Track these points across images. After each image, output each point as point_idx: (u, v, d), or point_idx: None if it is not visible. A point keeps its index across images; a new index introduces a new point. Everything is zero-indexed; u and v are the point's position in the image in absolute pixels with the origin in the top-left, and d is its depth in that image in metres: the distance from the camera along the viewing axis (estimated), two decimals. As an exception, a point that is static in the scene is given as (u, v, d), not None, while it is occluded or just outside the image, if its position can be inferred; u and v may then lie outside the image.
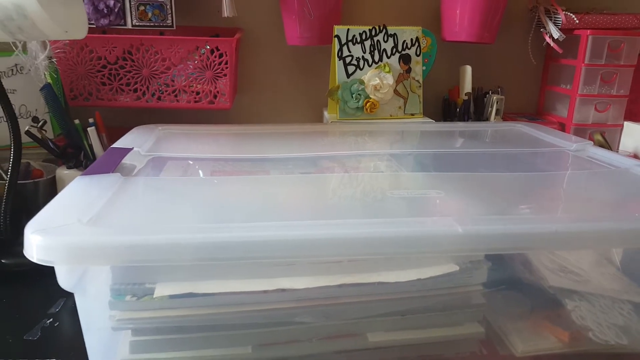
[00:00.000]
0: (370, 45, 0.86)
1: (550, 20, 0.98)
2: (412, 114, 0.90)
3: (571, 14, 0.94)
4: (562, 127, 1.01)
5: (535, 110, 1.12)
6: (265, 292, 0.41)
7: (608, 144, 0.93)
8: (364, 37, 0.86)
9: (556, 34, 0.96)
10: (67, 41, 0.83)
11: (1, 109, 0.64)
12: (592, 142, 0.71)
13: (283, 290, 0.41)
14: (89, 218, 0.38)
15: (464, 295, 0.44)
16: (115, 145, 0.61)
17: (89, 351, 0.41)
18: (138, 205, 0.44)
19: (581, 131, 0.99)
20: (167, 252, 0.35)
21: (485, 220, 0.39)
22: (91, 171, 0.49)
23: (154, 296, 0.40)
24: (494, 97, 0.97)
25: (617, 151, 1.00)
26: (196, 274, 0.41)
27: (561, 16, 0.95)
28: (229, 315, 0.41)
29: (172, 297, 0.40)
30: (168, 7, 0.86)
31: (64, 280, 0.37)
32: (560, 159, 0.68)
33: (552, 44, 0.97)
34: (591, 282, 0.48)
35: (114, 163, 0.51)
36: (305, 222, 0.39)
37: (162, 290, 0.40)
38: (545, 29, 0.99)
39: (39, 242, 0.34)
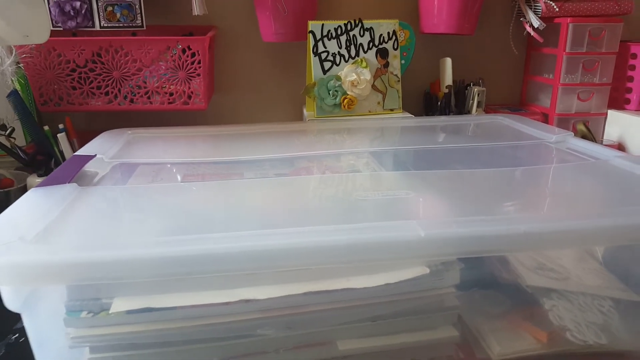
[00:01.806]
0: (346, 40, 0.85)
1: (530, 9, 0.96)
2: (392, 109, 0.88)
3: (551, 2, 0.93)
4: (545, 118, 1.00)
5: (518, 101, 1.10)
6: (227, 304, 0.39)
7: (592, 134, 0.92)
8: (339, 32, 0.84)
9: (536, 22, 0.94)
10: (34, 45, 0.80)
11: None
12: (572, 134, 0.69)
13: (246, 301, 0.39)
14: (34, 234, 0.36)
15: (437, 298, 0.42)
16: (78, 152, 0.59)
17: (42, 372, 0.39)
18: (92, 218, 0.42)
19: (565, 121, 0.98)
20: (121, 269, 0.34)
21: (450, 223, 0.38)
22: (47, 182, 0.47)
23: (111, 312, 0.38)
24: (475, 89, 0.95)
25: (601, 140, 0.99)
26: (154, 287, 0.39)
27: (541, 4, 0.93)
28: (190, 330, 0.39)
29: (129, 312, 0.38)
30: (137, 7, 0.84)
31: (10, 301, 0.35)
32: (539, 151, 0.66)
33: (532, 33, 0.96)
34: (571, 279, 0.47)
35: (72, 172, 0.49)
36: (266, 231, 0.37)
37: (119, 305, 0.38)
38: (526, 18, 0.97)
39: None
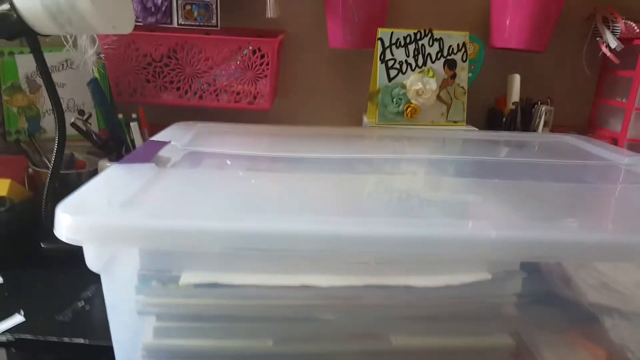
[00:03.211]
0: (415, 49, 0.85)
1: (608, 29, 0.94)
2: (455, 122, 0.87)
3: (631, 23, 0.90)
4: (615, 143, 0.96)
5: (586, 124, 1.07)
6: (289, 287, 0.40)
7: (664, 161, 0.88)
8: (408, 40, 0.85)
9: (614, 43, 0.91)
10: (115, 37, 0.85)
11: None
12: (646, 157, 0.67)
13: (307, 287, 0.40)
14: (120, 202, 0.38)
15: (496, 305, 0.42)
16: (153, 138, 0.62)
17: (112, 332, 0.41)
18: (170, 194, 0.44)
19: (636, 147, 0.93)
20: (195, 239, 0.35)
21: (521, 226, 0.37)
22: (127, 160, 0.50)
23: (180, 284, 0.40)
24: (543, 108, 0.93)
25: (674, 170, 0.94)
26: (222, 265, 0.41)
27: (620, 25, 0.90)
28: (252, 308, 0.41)
29: (197, 286, 0.40)
30: (213, 7, 0.87)
31: (92, 261, 0.37)
32: (610, 172, 0.64)
33: (608, 54, 0.93)
34: (635, 301, 0.45)
35: (150, 154, 0.52)
36: (336, 217, 0.38)
37: (188, 278, 0.40)
38: (602, 38, 0.94)
39: (68, 221, 0.34)
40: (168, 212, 0.39)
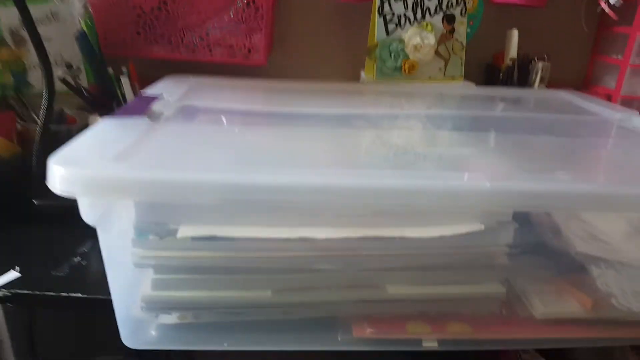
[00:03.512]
0: (413, 2, 0.83)
1: (607, -17, 0.92)
2: (453, 77, 0.86)
3: (630, -23, 0.88)
4: (609, 99, 0.96)
5: (582, 81, 1.06)
6: (286, 239, 0.41)
7: (657, 118, 0.88)
8: (406, -7, 0.83)
9: (612, -1, 0.89)
10: (102, -13, 0.83)
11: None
12: (638, 113, 0.67)
13: (304, 239, 0.41)
14: (113, 154, 0.38)
15: (488, 255, 0.43)
16: (144, 92, 0.61)
17: (110, 285, 0.42)
18: (164, 148, 0.44)
19: (629, 104, 0.93)
20: (190, 191, 0.35)
21: (515, 177, 0.37)
22: (119, 114, 0.49)
23: (177, 237, 0.40)
24: (540, 64, 0.92)
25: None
26: (219, 218, 0.41)
27: (619, -21, 0.88)
28: (249, 260, 0.41)
29: (194, 239, 0.41)
30: (206, -44, 0.84)
31: (87, 213, 0.37)
32: (602, 127, 0.64)
33: (607, 10, 0.91)
34: (621, 250, 0.46)
35: (142, 108, 0.51)
36: (332, 169, 0.38)
37: (185, 231, 0.41)
38: (601, -7, 0.92)
39: (61, 173, 0.34)
40: (162, 164, 0.38)
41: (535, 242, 0.45)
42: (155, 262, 0.41)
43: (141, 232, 0.41)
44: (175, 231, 0.41)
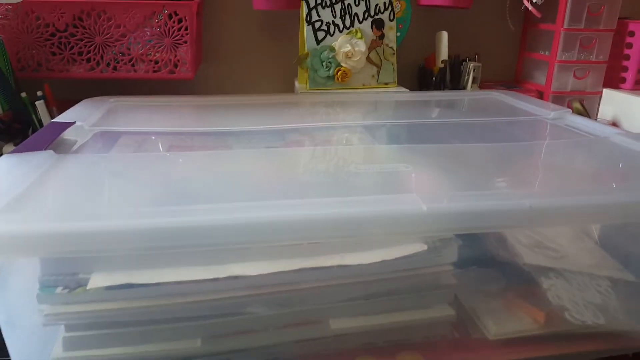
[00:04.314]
0: (341, 9, 0.81)
1: (529, -18, 0.93)
2: (386, 83, 0.85)
3: (551, -24, 0.90)
4: (540, 95, 0.98)
5: (513, 78, 1.08)
6: (214, 280, 0.37)
7: (587, 112, 0.90)
8: (334, 0, 0.80)
9: (535, -3, 0.91)
10: (9, 6, 0.76)
11: None
12: (570, 110, 0.68)
13: (235, 277, 0.37)
14: (5, 203, 0.33)
15: (433, 275, 0.41)
16: (56, 119, 0.55)
17: (11, 351, 0.36)
18: (68, 187, 0.39)
19: (560, 99, 0.96)
20: (101, 242, 0.31)
21: (452, 197, 0.35)
22: (21, 149, 0.44)
23: (88, 287, 0.36)
24: (471, 65, 0.92)
25: (595, 119, 0.97)
26: (136, 262, 0.37)
27: (540, -22, 0.90)
28: (174, 307, 0.37)
29: (108, 288, 0.36)
30: (120, -32, 0.79)
31: (-23, 274, 0.32)
32: (537, 127, 0.64)
33: (530, 8, 0.93)
34: (568, 258, 0.46)
35: (48, 139, 0.46)
36: (256, 203, 0.35)
37: (97, 281, 0.36)
38: (524, -8, 0.94)
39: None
40: (64, 212, 0.33)
41: (481, 256, 0.44)
42: (66, 319, 0.36)
43: (47, 286, 0.36)
44: (86, 281, 0.36)
